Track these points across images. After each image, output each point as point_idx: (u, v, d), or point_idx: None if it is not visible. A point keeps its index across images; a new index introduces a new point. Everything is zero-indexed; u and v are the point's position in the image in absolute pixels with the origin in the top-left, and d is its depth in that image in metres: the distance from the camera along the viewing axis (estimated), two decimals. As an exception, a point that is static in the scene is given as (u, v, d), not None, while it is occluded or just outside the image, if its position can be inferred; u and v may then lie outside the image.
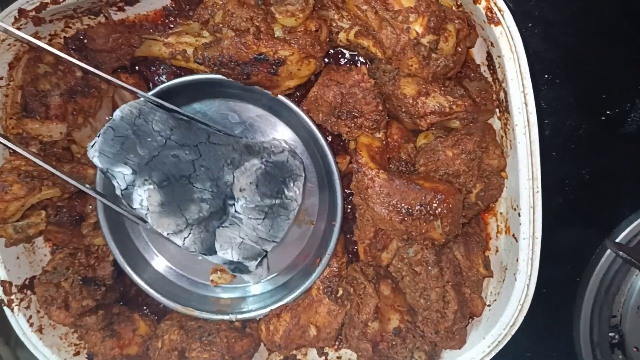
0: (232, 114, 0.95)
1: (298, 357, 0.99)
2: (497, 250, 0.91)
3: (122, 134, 0.82)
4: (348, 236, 0.96)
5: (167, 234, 0.83)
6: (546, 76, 1.02)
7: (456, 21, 0.76)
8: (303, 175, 0.90)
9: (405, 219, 0.80)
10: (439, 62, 0.77)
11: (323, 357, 0.99)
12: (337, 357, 0.98)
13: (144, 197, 0.81)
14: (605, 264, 1.04)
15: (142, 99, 0.86)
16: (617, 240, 1.03)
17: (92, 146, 0.81)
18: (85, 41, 0.90)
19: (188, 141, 0.85)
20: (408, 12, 0.74)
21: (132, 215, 0.85)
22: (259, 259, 0.87)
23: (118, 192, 0.82)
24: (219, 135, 0.89)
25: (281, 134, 0.95)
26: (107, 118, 0.94)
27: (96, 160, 0.81)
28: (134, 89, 0.87)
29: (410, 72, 0.79)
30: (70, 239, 0.97)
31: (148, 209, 0.81)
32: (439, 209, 0.79)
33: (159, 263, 1.00)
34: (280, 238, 0.89)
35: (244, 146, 0.89)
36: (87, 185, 0.86)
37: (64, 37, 0.94)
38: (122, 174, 0.81)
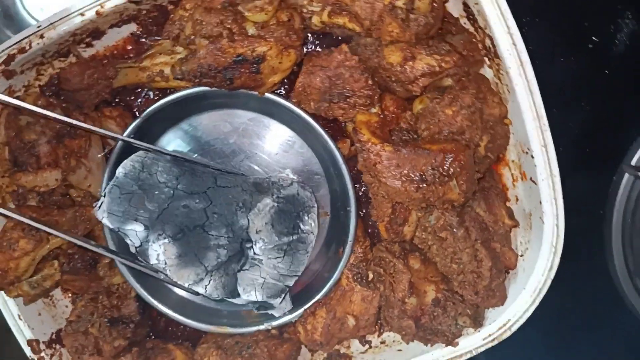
0: (223, 123, 0.93)
1: (342, 351, 0.97)
2: (517, 199, 0.90)
3: (129, 191, 0.81)
4: (366, 219, 0.95)
5: (189, 285, 0.81)
6: (524, 19, 1.01)
7: (427, -24, 0.74)
8: (315, 206, 0.90)
9: (420, 186, 0.78)
10: (418, 21, 0.75)
11: (367, 346, 0.97)
12: (381, 342, 0.97)
13: (160, 252, 0.81)
14: (626, 191, 1.02)
15: (141, 151, 0.85)
16: (633, 163, 1.01)
17: (100, 207, 0.81)
18: (61, 83, 0.88)
19: (196, 188, 0.84)
20: (377, -22, 0.73)
21: (148, 269, 0.84)
22: (283, 295, 0.86)
23: (132, 249, 0.82)
24: (226, 177, 0.88)
25: (276, 132, 0.93)
26: (99, 155, 0.92)
27: (106, 221, 0.80)
28: (114, 135, 0.86)
29: (392, 39, 0.77)
30: (89, 284, 0.95)
31: (166, 263, 0.80)
32: (452, 169, 0.78)
33: (182, 289, 0.98)
34: (301, 271, 0.89)
35: (253, 184, 0.88)
36: (102, 246, 0.87)
37: (39, 85, 0.92)
38: (135, 232, 0.81)
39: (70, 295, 0.99)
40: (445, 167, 0.77)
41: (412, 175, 0.78)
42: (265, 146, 0.94)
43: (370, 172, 0.80)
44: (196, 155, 0.93)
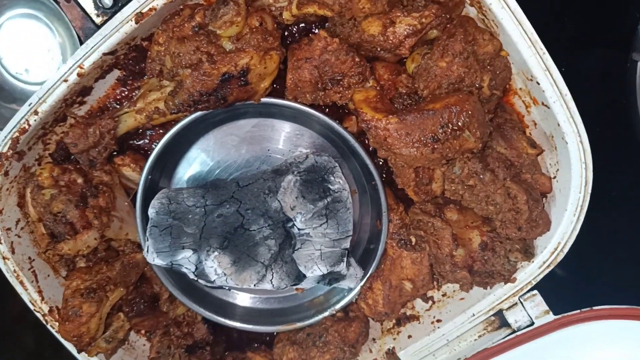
0: (230, 137, 0.94)
1: (408, 313, 1.00)
2: (535, 124, 0.89)
3: (166, 226, 0.84)
4: (393, 186, 0.95)
5: (254, 285, 0.84)
6: None
7: (382, -59, 0.72)
8: (336, 164, 0.89)
9: (436, 146, 0.78)
10: (386, -10, 0.73)
11: (430, 302, 0.99)
12: (443, 295, 0.99)
13: (216, 266, 0.83)
14: (643, 77, 0.99)
15: (164, 188, 0.89)
16: (642, 48, 0.98)
17: (147, 250, 0.83)
18: (69, 149, 0.90)
19: (223, 197, 0.86)
20: (333, -40, 0.71)
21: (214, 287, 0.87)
22: (344, 259, 0.86)
23: (191, 276, 0.84)
24: (245, 177, 0.89)
25: (282, 130, 0.94)
26: (126, 203, 0.95)
27: (158, 261, 0.83)
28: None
29: (366, 14, 0.76)
30: (157, 321, 1.00)
31: (225, 274, 0.82)
32: (461, 120, 0.77)
33: (243, 299, 1.02)
34: (351, 229, 0.88)
35: (272, 172, 0.89)
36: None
37: (49, 154, 0.94)
38: (186, 259, 0.83)
39: (144, 333, 1.04)
40: (454, 121, 0.77)
41: (424, 139, 0.78)
42: (276, 146, 0.94)
43: (383, 147, 0.80)
44: (218, 170, 0.95)
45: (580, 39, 1.03)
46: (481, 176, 0.83)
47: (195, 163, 0.96)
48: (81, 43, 0.93)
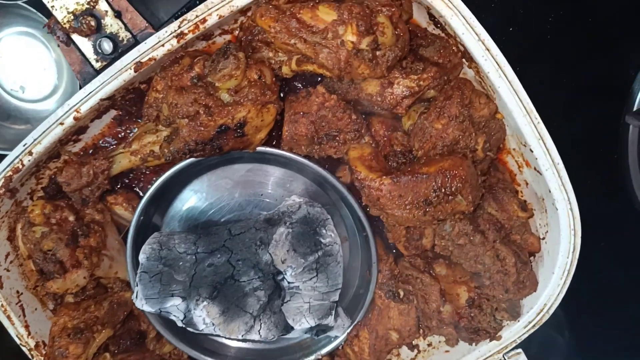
0: (225, 180, 0.94)
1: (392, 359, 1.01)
2: (526, 184, 0.89)
3: (156, 272, 0.84)
4: (384, 235, 0.96)
5: (242, 336, 0.84)
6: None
7: (384, 10, 0.72)
8: (329, 217, 0.90)
9: (428, 209, 0.79)
10: (386, 56, 0.74)
11: (415, 351, 1.00)
12: (428, 345, 0.99)
13: (204, 315, 0.83)
14: (635, 137, 1.01)
15: (155, 232, 0.89)
16: (635, 109, 0.99)
17: (136, 297, 0.83)
18: (62, 187, 0.90)
19: (214, 245, 0.86)
20: (334, 26, 0.71)
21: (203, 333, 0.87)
22: (333, 312, 0.87)
23: (180, 324, 0.84)
24: (239, 224, 0.89)
25: (276, 176, 0.94)
26: (117, 241, 0.95)
27: (147, 308, 0.83)
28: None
29: (365, 77, 0.76)
30: (143, 356, 1.00)
31: (213, 324, 0.83)
32: (454, 186, 0.78)
33: (232, 339, 1.02)
34: (340, 283, 0.89)
35: (264, 221, 0.89)
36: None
37: (41, 188, 0.94)
38: (175, 306, 0.83)
39: (129, 369, 1.04)
40: (447, 187, 0.78)
41: (417, 202, 0.78)
42: (269, 191, 0.95)
43: (375, 206, 0.81)
44: (211, 211, 0.95)
45: (575, 95, 1.04)
46: (471, 237, 0.84)
47: (188, 203, 0.96)
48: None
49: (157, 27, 0.98)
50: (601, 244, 1.12)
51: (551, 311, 0.88)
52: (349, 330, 0.94)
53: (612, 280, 1.11)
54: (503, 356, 0.92)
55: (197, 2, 1.01)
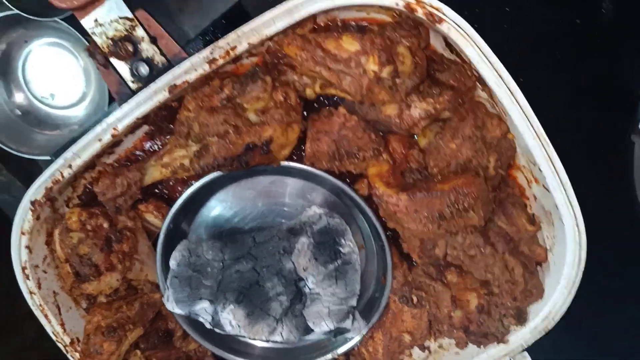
0: (248, 191, 1.00)
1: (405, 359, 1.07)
2: (535, 198, 0.94)
3: (186, 277, 0.90)
4: (398, 243, 1.01)
5: (266, 338, 0.90)
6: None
7: (404, 41, 0.77)
8: (347, 227, 0.96)
9: (441, 223, 0.84)
10: (405, 84, 0.79)
11: (426, 352, 1.06)
12: (439, 346, 1.05)
13: (231, 318, 0.89)
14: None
15: (184, 240, 0.95)
16: (641, 125, 1.04)
17: (168, 300, 0.90)
18: (97, 196, 0.96)
19: (240, 252, 0.92)
20: (357, 56, 0.76)
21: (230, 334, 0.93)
22: (350, 316, 0.93)
23: (208, 326, 0.90)
24: (262, 232, 0.95)
25: (297, 187, 1.00)
26: (147, 246, 1.01)
27: (177, 311, 0.89)
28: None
29: (384, 102, 0.81)
30: (169, 353, 1.07)
31: (239, 326, 0.89)
32: (467, 202, 0.83)
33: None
34: (358, 289, 0.95)
35: (287, 231, 0.95)
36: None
37: (77, 195, 1.00)
38: (204, 309, 0.89)
39: (156, 364, 1.11)
40: (460, 202, 0.83)
41: (431, 217, 0.84)
42: (290, 201, 1.00)
43: (392, 219, 0.87)
44: (236, 219, 1.01)
45: (580, 110, 1.08)
46: (482, 249, 0.89)
47: (214, 212, 1.02)
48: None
49: (185, 44, 1.04)
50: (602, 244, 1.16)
51: (557, 318, 0.93)
52: (365, 332, 1.00)
53: (611, 282, 1.16)
54: (510, 359, 0.98)
55: (222, 20, 1.07)
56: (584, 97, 1.09)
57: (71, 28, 1.16)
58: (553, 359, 1.00)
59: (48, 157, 1.31)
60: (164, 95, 0.84)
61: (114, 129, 0.87)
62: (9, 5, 1.13)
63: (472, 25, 0.78)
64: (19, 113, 1.36)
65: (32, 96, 1.36)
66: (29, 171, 1.41)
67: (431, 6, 0.78)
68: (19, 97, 1.35)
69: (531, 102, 0.81)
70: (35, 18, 1.17)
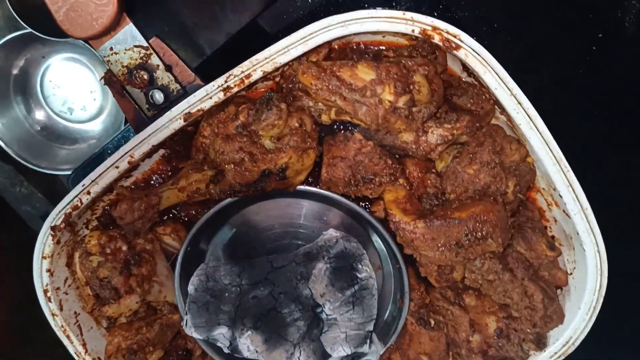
0: (265, 213, 1.00)
1: (424, 381, 1.06)
2: (555, 221, 0.93)
3: (204, 302, 0.91)
4: (415, 265, 1.00)
5: None
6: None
7: (420, 69, 0.76)
8: (364, 252, 0.95)
9: (459, 251, 0.83)
10: (422, 113, 0.78)
11: (445, 372, 1.05)
12: (457, 368, 1.04)
13: (249, 343, 0.89)
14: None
15: (202, 264, 0.96)
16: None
17: (186, 324, 0.90)
18: (116, 220, 0.97)
19: (257, 277, 0.93)
20: (373, 85, 0.75)
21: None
22: (368, 340, 0.93)
23: (226, 350, 0.91)
24: (279, 257, 0.95)
25: (313, 209, 0.99)
26: (165, 267, 1.02)
27: (196, 335, 0.90)
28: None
29: (401, 131, 0.80)
30: (188, 374, 1.08)
31: (257, 351, 0.89)
32: (485, 230, 0.82)
33: None
34: (375, 314, 0.94)
35: (304, 255, 0.95)
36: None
37: (96, 217, 1.01)
38: (222, 334, 0.90)
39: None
40: (478, 230, 0.82)
41: (449, 245, 0.83)
42: (306, 223, 1.00)
43: (409, 246, 0.86)
44: (253, 241, 1.01)
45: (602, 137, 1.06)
46: (500, 275, 0.88)
47: (232, 232, 1.02)
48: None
49: (201, 62, 1.04)
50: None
51: (577, 343, 0.92)
52: (382, 353, 1.00)
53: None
54: (529, 383, 0.97)
55: (236, 42, 1.06)
56: (607, 110, 1.06)
57: (87, 44, 1.17)
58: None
59: (68, 172, 1.33)
60: (179, 123, 0.84)
61: (131, 156, 0.87)
62: (26, 26, 1.15)
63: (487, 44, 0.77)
64: (38, 128, 1.38)
65: (51, 111, 1.38)
66: (49, 183, 1.44)
67: (448, 33, 0.76)
68: (38, 112, 1.37)
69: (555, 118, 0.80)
70: (51, 38, 1.18)
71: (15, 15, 1.14)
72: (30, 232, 1.47)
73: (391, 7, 1.02)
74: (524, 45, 1.03)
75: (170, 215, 1.03)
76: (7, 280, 1.40)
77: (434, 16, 0.78)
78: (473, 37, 0.78)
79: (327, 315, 0.92)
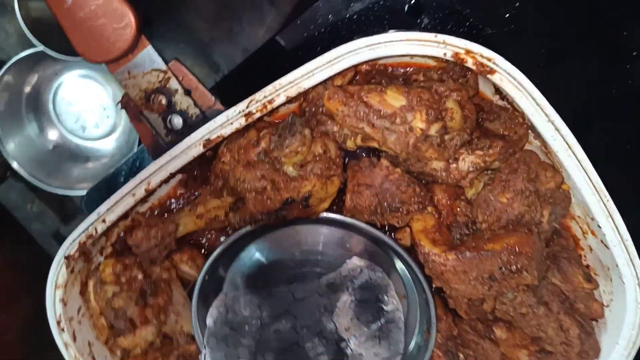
0: (286, 240, 0.96)
1: (450, 414, 1.02)
2: (591, 249, 0.88)
3: (223, 335, 0.87)
4: (442, 295, 0.96)
5: None
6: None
7: (453, 95, 0.72)
8: (390, 282, 0.91)
9: (492, 284, 0.79)
10: (454, 140, 0.74)
11: (473, 406, 1.00)
12: (486, 401, 1.00)
13: None
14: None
15: (221, 294, 0.92)
16: None
17: (204, 359, 0.86)
18: (132, 248, 0.93)
19: (278, 309, 0.89)
20: (403, 112, 0.72)
21: None
22: None
23: None
24: (300, 287, 0.91)
25: (334, 236, 0.95)
26: (182, 296, 0.98)
27: None
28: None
29: (431, 159, 0.77)
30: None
31: None
32: (520, 262, 0.78)
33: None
34: (402, 348, 0.90)
35: (327, 286, 0.91)
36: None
37: (110, 244, 0.98)
38: None
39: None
40: (513, 263, 0.78)
41: (481, 278, 0.79)
42: (327, 251, 0.96)
43: (439, 279, 0.82)
44: (273, 269, 0.98)
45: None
46: (535, 309, 0.84)
47: (251, 259, 0.98)
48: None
49: (217, 82, 1.01)
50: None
51: (614, 380, 0.87)
52: (407, 389, 0.96)
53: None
54: (563, 420, 0.92)
55: (254, 60, 1.03)
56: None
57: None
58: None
59: (81, 192, 1.30)
60: (198, 150, 0.81)
61: (148, 183, 0.84)
62: (38, 44, 1.12)
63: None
64: (51, 147, 1.36)
65: (64, 129, 1.36)
66: (60, 201, 1.41)
67: (482, 56, 0.72)
68: (50, 131, 1.35)
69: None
70: (65, 57, 1.15)
71: (28, 33, 1.12)
72: (41, 250, 1.45)
73: (415, 25, 0.98)
74: (553, 58, 0.99)
75: (188, 241, 0.99)
76: (18, 297, 1.38)
77: (461, 34, 0.74)
78: (503, 56, 0.74)
79: (352, 350, 0.88)
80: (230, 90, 1.04)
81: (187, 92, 0.82)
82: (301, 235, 0.96)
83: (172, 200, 0.96)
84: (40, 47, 1.12)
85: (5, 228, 1.41)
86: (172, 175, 0.90)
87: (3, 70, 1.18)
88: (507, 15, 0.94)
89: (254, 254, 0.98)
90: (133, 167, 1.07)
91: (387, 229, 0.92)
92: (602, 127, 0.96)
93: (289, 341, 0.88)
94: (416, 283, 0.94)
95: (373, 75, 0.83)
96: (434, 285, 0.85)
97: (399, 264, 0.96)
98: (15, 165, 1.25)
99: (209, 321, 0.89)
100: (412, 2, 0.96)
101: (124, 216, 0.94)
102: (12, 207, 1.41)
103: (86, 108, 1.33)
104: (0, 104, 1.23)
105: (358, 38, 0.74)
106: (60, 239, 1.39)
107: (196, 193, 0.95)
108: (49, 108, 1.33)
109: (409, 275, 0.95)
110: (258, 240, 0.97)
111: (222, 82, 1.09)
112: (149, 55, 0.79)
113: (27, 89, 1.29)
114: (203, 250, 0.99)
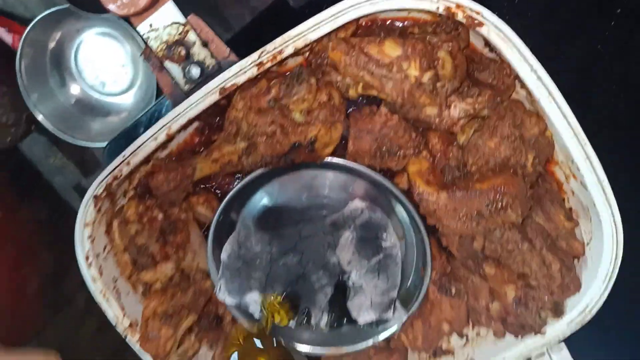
0: (292, 185, 1.04)
1: (444, 346, 1.11)
2: (572, 193, 0.96)
3: (236, 268, 0.96)
4: (437, 234, 1.04)
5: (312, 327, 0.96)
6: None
7: (444, 45, 0.79)
8: (388, 221, 0.99)
9: (480, 221, 0.87)
10: (445, 87, 0.81)
11: (464, 338, 1.09)
12: (477, 334, 1.08)
13: None
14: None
15: (234, 232, 1.00)
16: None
17: (219, 290, 0.96)
18: (152, 190, 1.02)
19: (287, 246, 0.98)
20: (399, 61, 0.79)
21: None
22: (392, 307, 0.98)
23: (257, 316, 0.96)
24: (306, 227, 1.00)
25: (338, 180, 1.03)
26: (198, 236, 1.07)
27: (228, 300, 0.96)
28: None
29: (425, 105, 0.84)
30: (219, 337, 1.13)
31: None
32: (505, 200, 0.85)
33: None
34: (399, 282, 0.99)
35: (330, 225, 0.99)
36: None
37: (132, 188, 1.06)
38: (253, 300, 0.95)
39: (206, 342, 1.18)
40: (498, 201, 0.85)
41: (470, 215, 0.87)
42: (332, 194, 1.04)
43: (432, 217, 0.90)
44: (281, 211, 1.06)
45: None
46: (519, 245, 0.92)
47: (261, 203, 1.07)
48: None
49: (228, 40, 1.08)
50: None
51: (593, 311, 0.95)
52: (404, 320, 1.04)
53: None
54: (547, 349, 1.01)
55: (262, 18, 1.10)
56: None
57: (121, 19, 1.21)
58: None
59: (101, 144, 1.38)
60: (214, 97, 0.89)
61: (169, 128, 0.92)
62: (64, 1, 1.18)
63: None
64: (72, 101, 1.43)
65: (85, 84, 1.43)
66: (81, 155, 1.50)
67: (471, 10, 0.79)
68: (72, 86, 1.43)
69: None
70: (89, 14, 1.22)
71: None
72: (59, 207, 1.53)
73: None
74: (547, 20, 1.05)
75: (204, 185, 1.07)
76: (38, 253, 1.46)
77: (457, -7, 0.81)
78: (495, 13, 0.81)
79: (353, 282, 0.97)
80: (240, 47, 1.11)
81: (204, 44, 0.89)
82: (308, 180, 1.04)
83: (190, 148, 1.04)
84: (66, 5, 1.19)
85: (29, 183, 1.50)
86: (191, 122, 0.99)
87: (29, 27, 1.25)
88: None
89: (264, 197, 1.06)
90: (152, 119, 1.15)
91: (387, 175, 1.00)
92: (587, 83, 1.03)
93: (296, 274, 0.97)
94: (412, 225, 1.02)
95: (373, 29, 0.90)
96: (428, 223, 0.93)
97: (397, 208, 1.04)
98: (40, 117, 1.33)
99: (224, 256, 0.98)
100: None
101: (146, 160, 1.02)
102: (36, 160, 1.50)
103: (105, 65, 1.41)
104: (26, 59, 1.30)
105: (360, -7, 0.81)
106: (80, 192, 1.49)
107: (211, 142, 1.03)
108: (71, 64, 1.41)
109: (406, 218, 1.03)
110: (267, 186, 1.05)
111: (232, 39, 1.16)
112: (169, 9, 0.87)
113: (51, 45, 1.36)
114: (218, 193, 1.07)
